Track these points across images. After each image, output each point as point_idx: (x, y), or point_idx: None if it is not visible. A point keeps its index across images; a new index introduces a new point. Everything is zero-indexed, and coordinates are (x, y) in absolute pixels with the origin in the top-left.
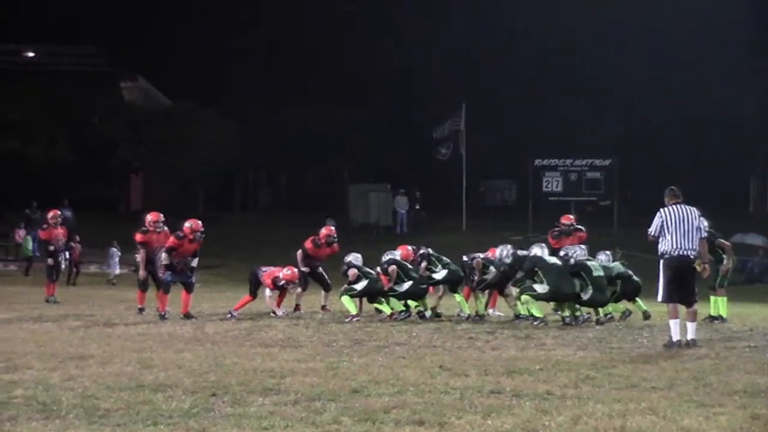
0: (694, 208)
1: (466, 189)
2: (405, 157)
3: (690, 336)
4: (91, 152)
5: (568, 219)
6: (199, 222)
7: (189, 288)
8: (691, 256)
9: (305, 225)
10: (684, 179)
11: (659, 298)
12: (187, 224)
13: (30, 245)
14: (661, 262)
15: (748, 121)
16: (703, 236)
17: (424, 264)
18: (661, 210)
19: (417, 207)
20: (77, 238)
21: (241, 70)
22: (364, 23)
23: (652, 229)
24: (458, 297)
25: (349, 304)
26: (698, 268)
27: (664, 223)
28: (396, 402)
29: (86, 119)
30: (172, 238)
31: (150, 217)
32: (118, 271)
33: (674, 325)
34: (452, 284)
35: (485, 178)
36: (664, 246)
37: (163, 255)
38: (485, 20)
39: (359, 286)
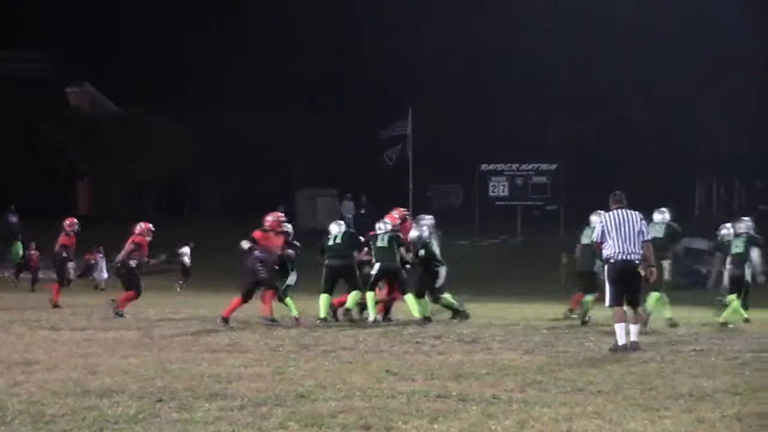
0: (637, 213)
1: (412, 194)
2: (352, 162)
3: (632, 338)
4: (39, 158)
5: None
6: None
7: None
8: (635, 260)
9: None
10: (629, 183)
11: (606, 302)
12: (270, 217)
13: (20, 251)
14: (606, 266)
15: (694, 125)
16: (646, 240)
17: (366, 249)
18: (603, 215)
19: (363, 211)
20: (34, 245)
21: (191, 75)
22: (312, 28)
23: (595, 236)
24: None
25: (290, 305)
26: (643, 272)
27: (605, 228)
28: (343, 407)
29: (34, 125)
30: (257, 231)
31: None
32: (105, 276)
33: (619, 329)
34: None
35: (432, 182)
36: (607, 251)
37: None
38: (431, 24)
39: (291, 279)
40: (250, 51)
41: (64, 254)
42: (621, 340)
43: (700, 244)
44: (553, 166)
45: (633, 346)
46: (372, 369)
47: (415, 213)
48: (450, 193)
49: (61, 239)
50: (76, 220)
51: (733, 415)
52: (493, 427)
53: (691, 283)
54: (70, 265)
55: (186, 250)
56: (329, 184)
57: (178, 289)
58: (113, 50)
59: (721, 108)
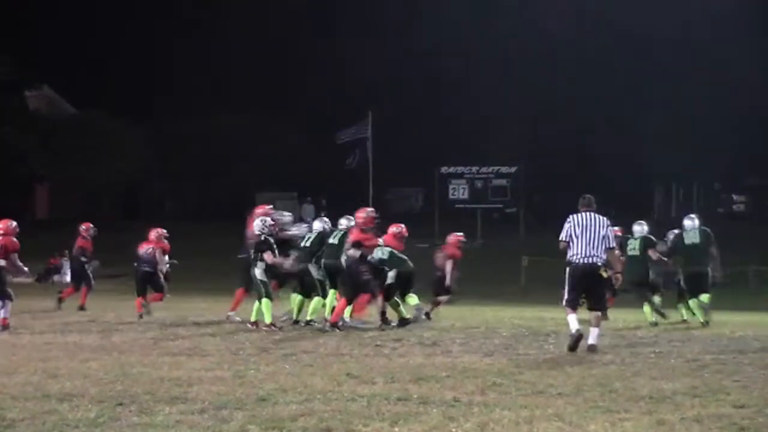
0: (604, 217)
1: (372, 197)
2: (312, 166)
3: (591, 341)
4: None
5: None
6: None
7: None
8: (597, 263)
9: (211, 234)
10: (589, 186)
11: (563, 301)
12: (362, 214)
13: None
14: (567, 268)
15: (653, 129)
16: (611, 246)
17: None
18: (570, 216)
19: (323, 215)
20: None
21: (149, 78)
22: (272, 31)
23: (563, 235)
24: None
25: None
26: (604, 275)
27: (572, 229)
28: (303, 410)
29: None
30: (356, 232)
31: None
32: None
33: (572, 319)
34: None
35: (392, 185)
36: (570, 252)
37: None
38: (392, 27)
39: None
40: (208, 54)
41: (83, 258)
42: (574, 327)
43: (659, 246)
44: (513, 169)
45: (591, 348)
46: (332, 372)
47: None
48: (410, 196)
49: (79, 242)
50: (92, 225)
51: (693, 417)
52: (453, 430)
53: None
54: (90, 266)
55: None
56: (289, 188)
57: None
58: (72, 53)
59: (680, 112)
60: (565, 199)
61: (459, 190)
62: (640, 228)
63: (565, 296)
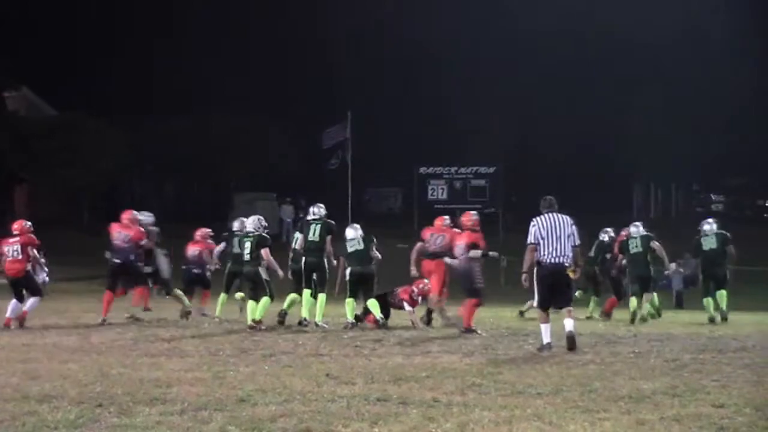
0: (567, 217)
1: (351, 197)
2: (291, 166)
3: (568, 329)
4: None
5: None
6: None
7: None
8: (565, 263)
9: (190, 235)
10: (568, 186)
11: (535, 303)
12: (473, 216)
13: None
14: (536, 269)
15: (632, 130)
16: (575, 244)
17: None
18: (534, 219)
19: (302, 215)
20: None
21: (128, 79)
22: (249, 29)
23: (530, 239)
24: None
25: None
26: (571, 275)
27: (538, 231)
28: (283, 411)
29: None
30: (472, 234)
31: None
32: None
33: (545, 329)
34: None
35: (371, 186)
36: (538, 254)
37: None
38: (371, 28)
39: None
40: (187, 54)
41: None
42: (546, 339)
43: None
44: (492, 170)
45: (570, 335)
46: (312, 373)
47: (354, 217)
48: (389, 197)
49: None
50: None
51: (672, 417)
52: (433, 430)
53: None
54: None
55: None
56: (268, 188)
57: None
58: (50, 55)
59: (659, 113)
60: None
61: (438, 191)
62: (636, 229)
63: (537, 298)
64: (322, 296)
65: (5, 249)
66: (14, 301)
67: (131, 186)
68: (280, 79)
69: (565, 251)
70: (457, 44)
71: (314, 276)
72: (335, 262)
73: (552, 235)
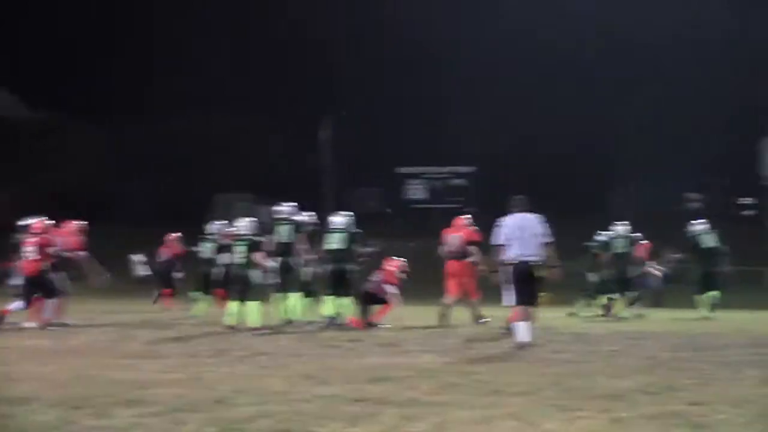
0: (535, 216)
1: (331, 198)
2: (271, 167)
3: (526, 338)
4: None
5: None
6: None
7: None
8: (533, 261)
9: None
10: (546, 185)
11: (508, 301)
12: None
13: None
14: (510, 269)
15: (609, 130)
16: (546, 242)
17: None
18: (503, 219)
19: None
20: None
21: (108, 80)
22: (231, 31)
23: (499, 238)
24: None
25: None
26: (541, 273)
27: (506, 230)
28: (260, 411)
29: None
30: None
31: None
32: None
33: (523, 327)
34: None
35: (351, 185)
36: (509, 253)
37: None
38: (351, 30)
39: None
40: (167, 55)
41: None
42: (524, 339)
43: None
44: (471, 169)
45: (526, 345)
46: (289, 373)
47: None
48: (368, 196)
49: (172, 250)
50: (180, 233)
51: (649, 415)
52: (410, 430)
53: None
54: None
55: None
56: (247, 189)
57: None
58: (31, 56)
59: (636, 110)
60: (525, 198)
61: (417, 190)
62: (624, 228)
63: (516, 297)
64: (295, 296)
65: (23, 248)
66: (18, 302)
67: (110, 187)
68: (260, 79)
69: (533, 250)
70: (437, 47)
71: (286, 277)
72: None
73: (521, 234)
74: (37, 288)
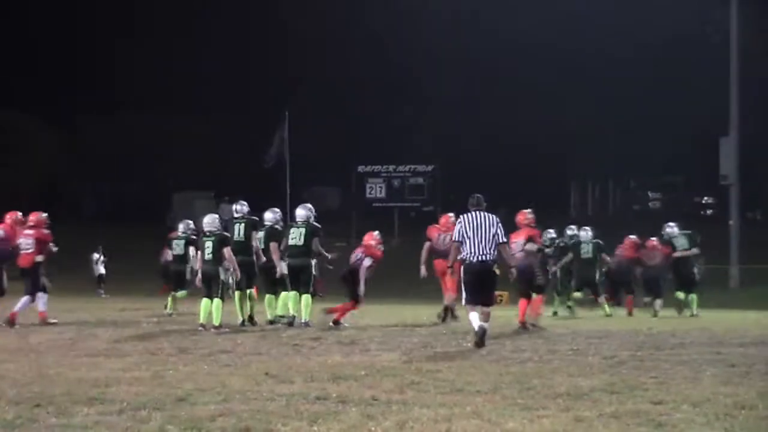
0: (493, 216)
1: (290, 196)
2: (229, 165)
3: (481, 324)
4: None
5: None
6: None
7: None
8: (490, 261)
9: (128, 233)
10: (506, 184)
11: (462, 301)
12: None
13: None
14: (462, 267)
15: (569, 129)
16: (501, 242)
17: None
18: (461, 216)
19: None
20: None
21: (65, 78)
22: (189, 30)
23: (455, 236)
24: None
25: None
26: (497, 272)
27: (463, 229)
28: (222, 410)
29: None
30: (531, 229)
31: None
32: None
33: (474, 317)
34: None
35: (309, 184)
36: (464, 252)
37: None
38: (310, 27)
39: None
40: (126, 54)
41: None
42: (476, 324)
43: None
44: (430, 168)
45: (478, 345)
46: (251, 372)
47: (293, 215)
48: (327, 195)
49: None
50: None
51: (611, 414)
52: (372, 429)
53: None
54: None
55: (96, 256)
56: (206, 187)
57: (103, 295)
58: None
59: (596, 109)
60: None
61: (376, 189)
62: (586, 233)
63: (465, 296)
64: (251, 293)
65: (20, 240)
66: (25, 297)
67: (69, 186)
68: (218, 78)
69: (489, 250)
70: (396, 42)
71: (243, 276)
72: (264, 259)
73: (477, 233)
74: (27, 279)
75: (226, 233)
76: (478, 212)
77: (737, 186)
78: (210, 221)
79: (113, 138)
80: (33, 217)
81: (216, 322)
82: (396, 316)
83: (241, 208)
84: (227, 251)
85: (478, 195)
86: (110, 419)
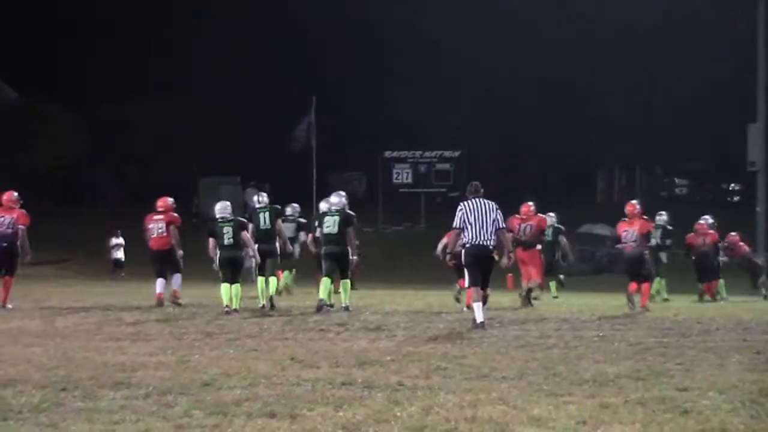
0: (492, 202)
1: (316, 181)
2: (256, 150)
3: (480, 319)
4: None
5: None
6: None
7: None
8: (489, 246)
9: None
10: (532, 171)
11: (465, 283)
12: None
13: None
14: (463, 251)
15: (595, 115)
16: (500, 227)
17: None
18: (461, 204)
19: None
20: None
21: (90, 63)
22: (212, 13)
23: (456, 222)
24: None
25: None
26: (497, 258)
27: (464, 215)
28: (247, 394)
29: None
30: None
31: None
32: None
33: (477, 308)
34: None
35: (335, 170)
36: (465, 237)
37: None
38: (336, 12)
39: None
40: (150, 38)
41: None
42: (479, 319)
43: (603, 230)
44: (456, 153)
45: (479, 326)
46: (277, 356)
47: (319, 200)
48: (353, 181)
49: None
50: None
51: (636, 400)
52: (398, 414)
53: (594, 269)
54: None
55: (117, 241)
56: (232, 172)
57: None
58: (13, 38)
59: (623, 96)
60: (508, 183)
61: (402, 174)
62: (551, 219)
63: (468, 278)
64: (273, 279)
65: (150, 225)
66: (160, 279)
67: (93, 170)
68: (244, 62)
69: (489, 235)
70: (421, 27)
71: (267, 261)
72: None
73: (478, 219)
74: (165, 263)
75: (242, 219)
76: (477, 199)
77: (765, 172)
78: (222, 208)
79: (136, 123)
80: (161, 203)
81: (235, 306)
82: (421, 302)
83: (262, 198)
84: (245, 235)
85: (476, 182)
86: (136, 403)
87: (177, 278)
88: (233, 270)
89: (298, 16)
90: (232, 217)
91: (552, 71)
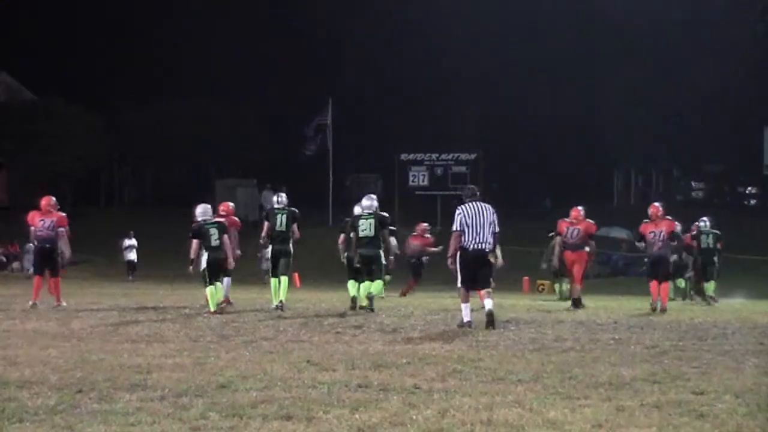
0: (489, 206)
1: (332, 183)
2: (272, 152)
3: (488, 307)
4: None
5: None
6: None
7: None
8: (486, 249)
9: (170, 220)
10: (548, 173)
11: (458, 283)
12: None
13: None
14: (459, 252)
15: (612, 118)
16: (496, 231)
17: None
18: (459, 207)
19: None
20: None
21: (108, 65)
22: (231, 17)
23: (456, 226)
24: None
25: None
26: (492, 260)
27: (463, 219)
28: (263, 397)
29: None
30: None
31: None
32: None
33: (465, 308)
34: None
35: (352, 172)
36: (463, 239)
37: None
38: (353, 15)
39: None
40: (167, 41)
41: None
42: (466, 318)
43: (619, 233)
44: (473, 156)
45: (489, 315)
46: (293, 359)
47: (334, 203)
48: (369, 183)
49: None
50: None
51: (653, 404)
52: (414, 417)
53: (610, 272)
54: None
55: (130, 242)
56: (249, 174)
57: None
58: (30, 40)
59: (641, 98)
60: (524, 186)
61: (419, 177)
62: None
63: (460, 277)
64: (285, 278)
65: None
66: (226, 280)
67: (111, 171)
68: (261, 64)
69: (487, 238)
70: (438, 31)
71: (281, 262)
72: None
73: (476, 223)
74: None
75: (224, 222)
76: (475, 203)
77: None
78: (203, 211)
79: (154, 125)
80: (223, 207)
81: (212, 308)
82: (437, 305)
83: (281, 199)
84: (225, 239)
85: (472, 186)
86: (152, 405)
87: (227, 282)
88: (219, 271)
89: (316, 17)
90: (216, 220)
91: (569, 73)
